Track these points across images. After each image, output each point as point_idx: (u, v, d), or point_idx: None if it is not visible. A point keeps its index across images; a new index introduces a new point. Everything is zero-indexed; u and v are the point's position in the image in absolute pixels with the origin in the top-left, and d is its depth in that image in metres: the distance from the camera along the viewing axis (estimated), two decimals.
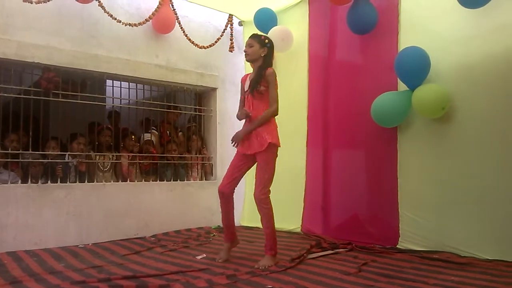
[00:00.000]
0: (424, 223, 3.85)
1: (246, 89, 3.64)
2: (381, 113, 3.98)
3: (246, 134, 3.55)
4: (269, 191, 3.49)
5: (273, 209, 3.48)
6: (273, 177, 3.50)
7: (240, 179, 3.69)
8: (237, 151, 3.68)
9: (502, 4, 3.44)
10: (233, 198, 3.69)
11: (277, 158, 3.55)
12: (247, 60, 3.68)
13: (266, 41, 3.59)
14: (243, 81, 3.76)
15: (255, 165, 3.59)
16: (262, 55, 3.55)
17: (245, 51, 3.63)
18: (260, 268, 3.27)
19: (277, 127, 3.59)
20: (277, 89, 3.53)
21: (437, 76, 3.78)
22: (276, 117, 3.58)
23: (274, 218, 3.49)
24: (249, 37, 3.65)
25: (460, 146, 3.67)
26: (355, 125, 4.45)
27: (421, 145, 3.94)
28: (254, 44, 3.56)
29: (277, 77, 3.54)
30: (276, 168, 3.54)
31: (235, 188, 3.68)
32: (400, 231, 3.99)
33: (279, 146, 3.54)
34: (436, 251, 3.67)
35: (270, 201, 3.48)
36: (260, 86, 3.50)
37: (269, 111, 3.50)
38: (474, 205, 3.56)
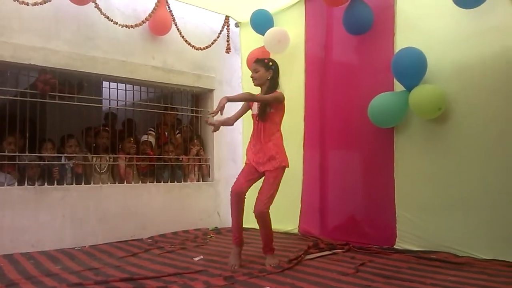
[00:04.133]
0: (420, 223, 3.86)
1: (253, 112, 3.67)
2: (378, 113, 3.99)
3: (224, 100, 3.40)
4: (269, 211, 3.51)
5: (270, 209, 3.50)
6: (275, 195, 3.53)
7: (254, 183, 3.66)
8: (249, 162, 3.67)
9: (497, 5, 3.45)
10: (244, 199, 3.65)
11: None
12: (255, 85, 3.67)
13: (271, 63, 3.62)
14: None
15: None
16: (268, 77, 3.58)
17: (251, 77, 3.64)
18: (272, 265, 3.37)
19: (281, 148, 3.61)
20: (283, 114, 3.61)
21: (433, 77, 3.79)
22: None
23: (272, 218, 3.52)
24: (254, 62, 3.67)
25: (457, 146, 3.68)
26: (352, 126, 4.45)
27: (418, 145, 3.94)
28: (260, 69, 3.58)
29: (283, 100, 3.57)
30: None
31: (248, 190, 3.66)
32: (397, 232, 4.00)
33: (288, 167, 3.59)
34: (433, 251, 3.68)
35: (269, 213, 3.50)
36: (271, 109, 3.54)
37: (268, 96, 3.50)
38: (470, 205, 3.57)
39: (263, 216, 3.45)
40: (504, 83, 3.45)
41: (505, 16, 3.43)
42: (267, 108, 3.54)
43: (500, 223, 3.40)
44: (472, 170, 3.58)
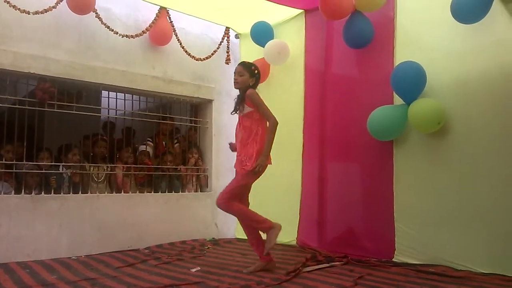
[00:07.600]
0: (419, 236, 3.84)
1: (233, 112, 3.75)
2: (377, 126, 3.99)
3: (264, 160, 3.50)
4: (230, 203, 3.54)
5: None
6: (240, 192, 3.62)
7: (249, 192, 3.77)
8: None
9: (497, 20, 3.47)
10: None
11: (255, 179, 3.63)
12: (236, 88, 3.73)
13: (256, 71, 3.68)
14: None
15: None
16: (251, 84, 3.64)
17: (235, 79, 3.66)
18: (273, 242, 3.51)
19: (262, 148, 3.56)
20: (264, 104, 3.58)
21: (433, 91, 3.80)
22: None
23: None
24: (239, 65, 3.75)
25: (456, 160, 3.69)
26: (351, 139, 4.45)
27: (417, 159, 3.94)
28: (244, 74, 3.64)
29: (258, 94, 3.62)
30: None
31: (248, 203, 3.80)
32: (395, 245, 3.98)
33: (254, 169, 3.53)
34: (431, 265, 3.66)
35: (230, 205, 3.54)
36: (246, 107, 3.60)
37: (270, 126, 3.56)
38: (469, 219, 3.57)
39: (223, 208, 3.59)
40: (503, 97, 3.46)
41: (504, 31, 3.46)
42: (241, 106, 3.62)
43: (499, 237, 3.39)
44: (471, 183, 3.58)
